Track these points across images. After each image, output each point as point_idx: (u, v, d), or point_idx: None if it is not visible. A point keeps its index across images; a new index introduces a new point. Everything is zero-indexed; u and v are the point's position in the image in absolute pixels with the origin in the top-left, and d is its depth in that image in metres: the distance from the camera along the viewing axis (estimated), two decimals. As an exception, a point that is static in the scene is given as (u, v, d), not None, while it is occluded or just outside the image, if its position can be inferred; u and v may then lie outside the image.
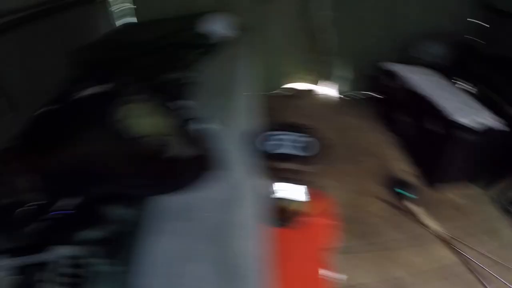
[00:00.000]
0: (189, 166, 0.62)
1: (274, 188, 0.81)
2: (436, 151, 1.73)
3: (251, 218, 0.64)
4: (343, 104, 2.49)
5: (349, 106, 2.44)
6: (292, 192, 0.84)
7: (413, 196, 1.62)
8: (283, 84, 2.47)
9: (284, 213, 0.84)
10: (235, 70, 1.09)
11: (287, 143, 0.80)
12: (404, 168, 1.86)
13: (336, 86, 2.46)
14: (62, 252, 0.53)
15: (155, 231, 0.58)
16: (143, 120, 0.65)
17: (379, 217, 1.63)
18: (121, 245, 0.55)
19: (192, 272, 0.53)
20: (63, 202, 0.59)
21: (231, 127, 0.80)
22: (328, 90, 2.50)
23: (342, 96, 2.48)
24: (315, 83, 2.51)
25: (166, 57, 1.08)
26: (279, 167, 0.79)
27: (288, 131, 0.84)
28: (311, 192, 0.89)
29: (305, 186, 0.86)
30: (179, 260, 0.55)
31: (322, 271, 0.89)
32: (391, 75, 2.01)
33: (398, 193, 1.67)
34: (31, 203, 0.60)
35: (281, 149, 0.78)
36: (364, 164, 1.87)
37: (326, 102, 2.53)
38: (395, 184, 1.72)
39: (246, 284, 0.53)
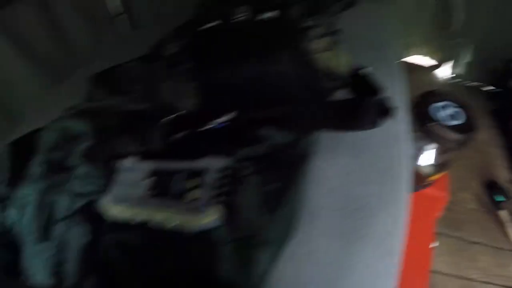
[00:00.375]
0: (365, 110, 0.60)
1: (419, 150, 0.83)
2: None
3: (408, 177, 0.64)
4: (459, 90, 2.25)
5: (464, 94, 2.18)
6: (429, 157, 0.86)
7: (505, 200, 1.56)
8: (405, 54, 2.28)
9: (416, 176, 0.87)
10: (381, 26, 1.04)
11: (446, 110, 0.80)
12: (504, 174, 1.74)
13: (456, 70, 2.23)
14: (212, 162, 0.54)
15: (312, 162, 0.59)
16: (329, 54, 0.64)
17: (469, 214, 1.62)
18: (276, 166, 0.56)
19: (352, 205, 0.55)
20: (221, 117, 0.60)
21: (393, 82, 0.77)
22: (446, 71, 2.28)
23: (459, 81, 2.24)
24: (436, 61, 2.29)
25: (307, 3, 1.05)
26: (432, 132, 0.79)
27: (444, 100, 0.83)
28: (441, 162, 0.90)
29: (440, 155, 0.87)
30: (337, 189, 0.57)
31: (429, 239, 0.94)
32: None
33: (494, 199, 1.61)
34: (187, 113, 0.62)
35: (440, 115, 0.78)
36: (469, 159, 1.78)
37: (442, 83, 2.30)
38: (493, 189, 1.66)
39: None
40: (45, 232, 0.59)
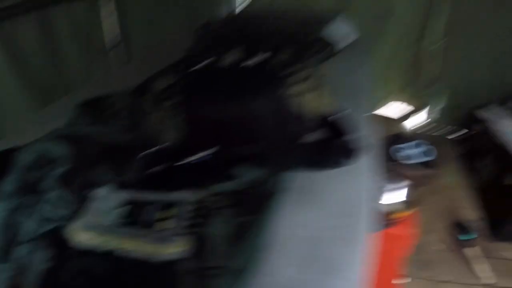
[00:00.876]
0: (332, 149, 0.67)
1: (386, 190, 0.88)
2: (509, 207, 1.69)
3: (367, 216, 0.67)
4: (431, 134, 2.42)
5: (435, 138, 2.35)
6: (397, 196, 0.91)
7: (471, 238, 1.66)
8: (379, 103, 2.44)
9: (385, 215, 0.91)
10: (357, 76, 1.13)
11: (410, 150, 0.88)
12: (471, 215, 1.84)
13: (429, 115, 2.41)
14: (186, 195, 0.56)
15: (281, 197, 0.62)
16: (311, 96, 0.70)
17: (438, 254, 1.69)
18: (246, 200, 0.59)
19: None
20: (201, 152, 0.63)
21: (364, 125, 0.83)
22: (420, 116, 2.46)
23: (430, 128, 2.42)
24: (410, 107, 2.47)
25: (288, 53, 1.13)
26: (398, 171, 0.86)
27: (408, 141, 0.91)
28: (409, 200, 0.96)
29: (407, 193, 0.93)
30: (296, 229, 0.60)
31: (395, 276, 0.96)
32: (484, 120, 1.94)
33: (460, 238, 1.70)
34: (168, 147, 0.65)
35: (404, 155, 0.86)
36: (435, 202, 1.88)
37: (412, 127, 2.47)
38: (459, 228, 1.75)
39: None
40: (5, 253, 0.56)
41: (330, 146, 0.66)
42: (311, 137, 0.70)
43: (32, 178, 0.65)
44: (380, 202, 0.91)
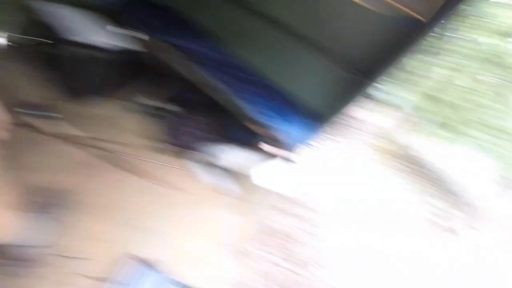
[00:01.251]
0: None
1: None
2: (74, 71, 2.08)
3: None
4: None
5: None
6: None
7: (51, 115, 1.89)
8: None
9: None
10: None
11: None
12: (38, 93, 2.07)
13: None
14: None
15: None
16: None
17: (19, 142, 1.76)
18: None
19: None
20: None
21: None
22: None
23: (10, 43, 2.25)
24: None
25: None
26: None
27: None
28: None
29: None
30: None
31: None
32: (46, 17, 2.11)
33: (26, 114, 1.81)
34: None
35: None
36: None
37: None
38: (24, 107, 1.83)
39: None
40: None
41: None
42: None
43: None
44: None
